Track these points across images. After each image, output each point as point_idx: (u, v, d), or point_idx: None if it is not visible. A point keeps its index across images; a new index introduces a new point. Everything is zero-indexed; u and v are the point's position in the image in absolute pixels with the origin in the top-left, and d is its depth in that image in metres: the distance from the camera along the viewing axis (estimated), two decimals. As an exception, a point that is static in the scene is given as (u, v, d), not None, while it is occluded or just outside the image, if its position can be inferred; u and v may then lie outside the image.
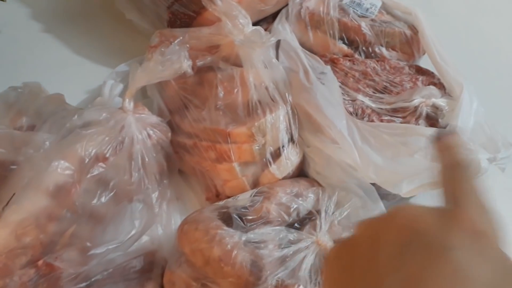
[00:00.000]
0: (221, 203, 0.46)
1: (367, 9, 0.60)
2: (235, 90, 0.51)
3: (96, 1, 0.70)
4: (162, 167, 0.50)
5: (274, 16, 0.63)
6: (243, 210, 0.43)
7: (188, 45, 0.52)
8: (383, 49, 0.59)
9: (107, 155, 0.45)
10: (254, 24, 0.61)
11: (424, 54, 0.60)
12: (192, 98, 0.53)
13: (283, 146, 0.50)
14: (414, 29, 0.59)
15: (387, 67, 0.56)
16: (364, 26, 0.58)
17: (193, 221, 0.42)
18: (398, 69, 0.56)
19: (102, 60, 0.64)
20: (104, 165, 0.45)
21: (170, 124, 0.53)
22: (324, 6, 0.59)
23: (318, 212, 0.46)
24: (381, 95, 0.53)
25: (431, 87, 0.53)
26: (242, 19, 0.53)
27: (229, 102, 0.51)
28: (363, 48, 0.58)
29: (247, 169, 0.49)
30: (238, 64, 0.54)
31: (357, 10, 0.60)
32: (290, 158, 0.50)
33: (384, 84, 0.54)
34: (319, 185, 0.49)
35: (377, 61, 0.56)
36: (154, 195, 0.48)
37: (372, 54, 0.59)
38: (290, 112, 0.52)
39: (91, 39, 0.66)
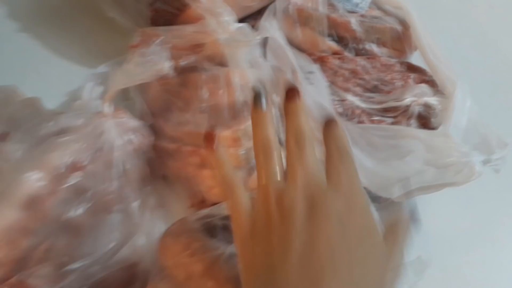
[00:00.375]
0: (205, 211, 0.43)
1: (357, 4, 0.57)
2: (220, 91, 0.48)
3: (77, -2, 0.66)
4: (144, 174, 0.47)
5: (261, 12, 0.60)
6: (228, 219, 0.40)
7: (170, 45, 0.49)
8: (374, 46, 0.56)
9: (84, 164, 0.42)
10: (241, 21, 0.58)
11: (415, 50, 0.57)
12: (176, 100, 0.49)
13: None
14: (405, 24, 0.56)
15: (378, 65, 0.53)
16: (354, 22, 0.55)
17: (175, 233, 0.39)
18: (388, 66, 0.53)
19: (83, 60, 0.61)
20: (81, 174, 0.42)
21: (153, 127, 0.50)
22: (312, 2, 0.56)
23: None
24: (371, 95, 0.50)
25: (423, 85, 0.51)
26: (227, 16, 0.50)
27: (214, 104, 0.48)
28: (353, 45, 0.55)
29: (233, 174, 0.46)
30: (223, 63, 0.51)
31: (347, 6, 0.57)
32: (278, 162, 0.47)
33: (374, 82, 0.51)
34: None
35: (367, 58, 0.53)
36: (136, 204, 0.45)
37: (362, 51, 0.56)
38: (277, 113, 0.49)
39: (71, 38, 0.62)
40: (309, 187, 0.29)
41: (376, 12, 0.58)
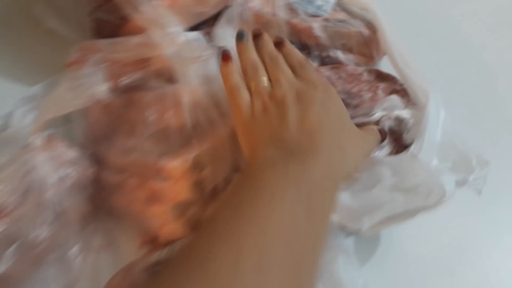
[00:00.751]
0: (155, 256, 0.38)
1: (319, 7, 0.52)
2: (168, 113, 0.43)
3: (10, 6, 0.59)
4: (85, 211, 0.42)
5: (217, 18, 0.54)
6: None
7: (107, 63, 0.44)
8: (339, 53, 0.51)
9: (10, 209, 0.36)
10: (194, 28, 0.52)
11: (384, 55, 0.53)
12: (119, 124, 0.44)
13: (228, 179, 0.42)
14: (372, 28, 0.51)
15: (344, 75, 0.48)
16: (317, 27, 0.50)
17: (116, 289, 0.34)
18: (355, 76, 0.48)
19: (22, 78, 0.53)
20: (6, 222, 0.36)
21: (95, 156, 0.44)
22: (270, 6, 0.50)
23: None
24: (338, 110, 0.45)
25: (393, 97, 0.46)
26: (174, 27, 0.45)
27: (161, 128, 0.43)
28: (317, 52, 0.50)
29: (186, 210, 0.41)
30: (173, 79, 0.45)
31: (309, 9, 0.52)
32: (236, 191, 0.42)
33: (341, 96, 0.46)
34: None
35: (332, 68, 0.48)
36: (75, 249, 0.39)
37: (327, 59, 0.51)
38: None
39: (6, 52, 0.56)
40: (292, 86, 0.38)
41: (341, 15, 0.53)
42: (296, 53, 0.42)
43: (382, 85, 0.48)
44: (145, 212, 0.41)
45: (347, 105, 0.46)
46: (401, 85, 0.49)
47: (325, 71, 0.48)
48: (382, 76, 0.49)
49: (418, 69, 0.47)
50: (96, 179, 0.43)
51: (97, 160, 0.44)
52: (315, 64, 0.50)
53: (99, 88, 0.39)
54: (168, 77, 0.45)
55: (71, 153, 0.42)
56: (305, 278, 0.29)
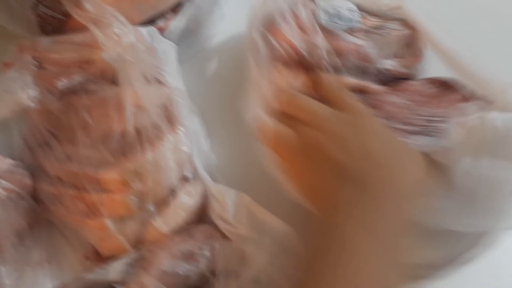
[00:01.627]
0: (90, 275, 0.39)
1: (350, 19, 0.50)
2: (110, 118, 0.43)
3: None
4: (19, 227, 0.43)
5: (174, 10, 0.55)
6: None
7: (45, 64, 0.44)
8: (388, 62, 0.50)
9: None
10: (148, 22, 0.53)
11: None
12: (56, 131, 0.45)
13: (173, 190, 0.43)
14: (410, 25, 0.51)
15: (416, 97, 0.46)
16: (363, 44, 0.48)
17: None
18: (419, 93, 0.47)
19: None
20: None
21: (32, 165, 0.45)
22: (305, 34, 0.47)
23: (215, 275, 0.39)
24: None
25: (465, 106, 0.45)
26: (119, 28, 0.45)
27: (102, 135, 0.44)
28: (370, 70, 0.49)
29: (125, 225, 0.42)
30: (116, 81, 0.46)
31: (340, 25, 0.50)
32: (183, 204, 0.43)
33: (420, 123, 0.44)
34: (223, 235, 0.42)
35: (393, 90, 0.48)
36: (5, 270, 0.40)
37: (381, 73, 0.49)
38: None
39: None
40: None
41: (373, 20, 0.52)
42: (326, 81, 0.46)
43: (454, 97, 0.46)
44: (84, 225, 0.42)
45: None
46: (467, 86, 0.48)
47: (387, 96, 0.47)
48: (445, 84, 0.48)
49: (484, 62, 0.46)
50: (34, 190, 0.44)
51: (35, 170, 0.45)
52: (373, 85, 0.49)
53: (26, 93, 0.40)
54: (112, 79, 0.46)
55: (3, 164, 0.43)
56: None
